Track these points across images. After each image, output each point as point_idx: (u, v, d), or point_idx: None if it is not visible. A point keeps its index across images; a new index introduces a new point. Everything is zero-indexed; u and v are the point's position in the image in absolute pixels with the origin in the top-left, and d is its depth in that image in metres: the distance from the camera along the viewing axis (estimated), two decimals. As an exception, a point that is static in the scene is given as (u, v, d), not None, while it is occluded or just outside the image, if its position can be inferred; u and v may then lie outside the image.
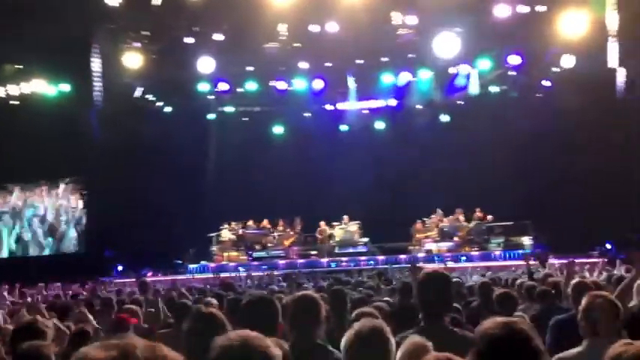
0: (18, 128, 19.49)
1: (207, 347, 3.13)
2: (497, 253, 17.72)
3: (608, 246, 15.42)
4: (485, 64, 20.17)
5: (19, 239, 21.40)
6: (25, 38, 17.28)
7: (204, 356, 3.07)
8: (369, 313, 4.38)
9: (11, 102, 20.54)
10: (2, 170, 19.47)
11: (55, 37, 16.91)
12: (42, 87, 20.64)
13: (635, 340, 2.22)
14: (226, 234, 19.77)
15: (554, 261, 12.62)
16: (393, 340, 2.52)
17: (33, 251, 21.24)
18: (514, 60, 19.60)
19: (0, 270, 16.33)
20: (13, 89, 20.57)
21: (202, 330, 3.11)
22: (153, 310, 6.69)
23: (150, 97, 20.89)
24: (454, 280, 5.40)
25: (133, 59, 18.98)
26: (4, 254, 21.21)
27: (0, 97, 20.69)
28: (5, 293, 9.09)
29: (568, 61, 18.87)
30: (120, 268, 18.57)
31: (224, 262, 18.98)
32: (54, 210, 21.50)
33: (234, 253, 19.50)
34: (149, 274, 13.45)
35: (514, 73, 20.34)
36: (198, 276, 16.74)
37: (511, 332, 2.08)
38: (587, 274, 8.24)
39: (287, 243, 19.58)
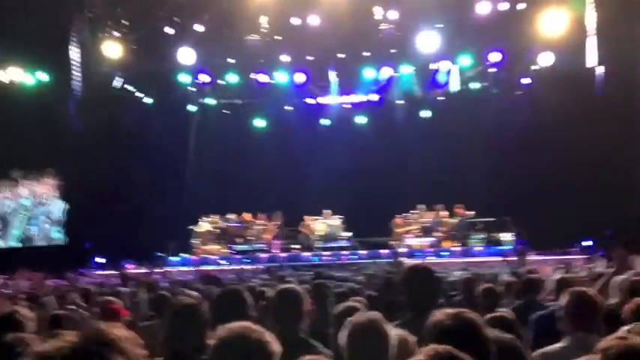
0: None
1: (187, 339, 3.13)
2: (479, 249, 17.87)
3: (589, 242, 15.65)
4: (465, 60, 20.30)
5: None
6: (2, 26, 16.96)
7: (184, 346, 3.07)
8: (354, 307, 4.40)
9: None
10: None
11: (33, 25, 16.62)
12: (20, 76, 20.30)
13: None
14: (205, 226, 19.64)
15: (534, 257, 12.78)
16: (391, 333, 2.53)
17: (12, 242, 20.95)
18: (494, 57, 19.78)
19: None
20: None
21: (182, 321, 3.10)
22: (135, 301, 6.64)
23: (130, 87, 20.62)
24: (435, 275, 5.43)
25: (112, 49, 18.73)
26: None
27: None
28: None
29: (548, 59, 19.09)
30: (98, 259, 18.37)
31: (203, 255, 18.87)
32: (33, 200, 21.19)
33: (216, 247, 19.41)
34: (129, 266, 13.33)
35: (494, 69, 20.51)
36: (178, 269, 16.62)
37: (461, 322, 2.18)
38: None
39: (268, 236, 19.54)
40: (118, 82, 19.91)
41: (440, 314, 2.33)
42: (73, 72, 18.95)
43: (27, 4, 16.17)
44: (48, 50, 18.81)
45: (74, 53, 18.92)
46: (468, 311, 2.39)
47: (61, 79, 19.59)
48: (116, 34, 18.72)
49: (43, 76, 20.32)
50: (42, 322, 4.80)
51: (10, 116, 18.81)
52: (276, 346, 1.94)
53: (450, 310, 2.34)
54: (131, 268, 12.98)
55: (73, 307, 6.02)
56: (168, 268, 16.02)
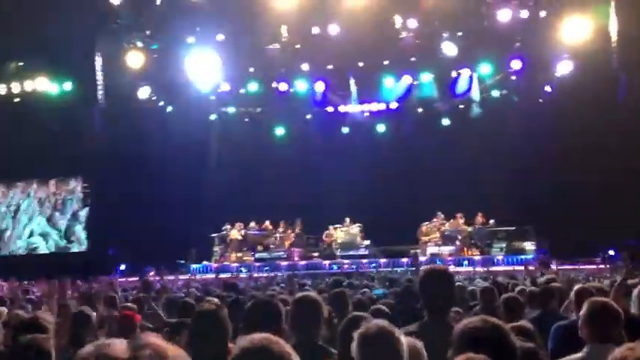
0: (20, 126, 19.55)
1: (209, 346, 3.17)
2: (500, 257, 17.71)
3: (612, 252, 15.40)
4: (486, 68, 20.22)
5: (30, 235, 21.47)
6: (28, 36, 17.32)
7: (206, 355, 3.11)
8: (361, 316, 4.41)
9: (15, 100, 20.60)
10: (6, 167, 19.48)
11: (58, 35, 16.97)
12: (44, 85, 20.68)
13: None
14: (233, 234, 19.83)
15: (555, 267, 12.63)
16: (403, 340, 2.53)
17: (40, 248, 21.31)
18: (516, 64, 19.65)
19: (7, 267, 16.29)
20: (16, 87, 20.63)
21: (205, 329, 3.14)
22: (155, 309, 6.71)
23: (152, 96, 20.89)
24: (457, 284, 5.42)
25: (135, 58, 19.01)
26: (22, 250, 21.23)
27: (1, 95, 20.75)
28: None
29: (569, 67, 18.93)
30: (122, 267, 18.60)
31: (226, 263, 19.03)
32: (57, 207, 21.52)
33: (237, 254, 19.58)
34: (152, 273, 13.46)
35: (515, 77, 20.38)
36: (200, 276, 16.73)
37: (489, 328, 2.19)
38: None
39: (287, 244, 19.62)
40: (144, 93, 20.11)
41: (468, 320, 2.36)
42: (97, 81, 19.27)
43: (52, 14, 16.50)
44: (73, 60, 19.18)
45: (98, 63, 19.25)
46: (494, 318, 2.40)
47: (84, 88, 19.95)
48: (139, 44, 19.00)
49: (68, 86, 20.68)
50: (64, 326, 4.90)
51: (35, 124, 19.18)
52: (296, 358, 1.97)
53: (477, 317, 2.35)
54: (153, 275, 13.10)
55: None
56: (190, 275, 16.12)
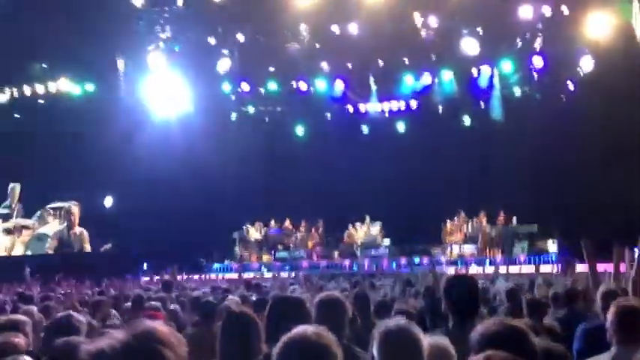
0: (43, 126, 19.85)
1: (240, 346, 3.20)
2: (522, 257, 17.56)
3: (637, 251, 15.15)
4: (507, 65, 20.05)
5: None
6: (52, 38, 17.57)
7: (238, 356, 3.14)
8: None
9: (39, 100, 20.95)
10: (28, 167, 19.78)
11: (81, 36, 17.20)
12: (67, 86, 20.97)
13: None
14: (253, 233, 19.93)
15: (580, 266, 12.45)
16: (423, 340, 2.54)
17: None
18: (537, 62, 19.44)
19: (20, 266, 16.53)
20: (40, 88, 20.96)
21: (236, 329, 3.17)
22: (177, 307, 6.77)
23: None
24: (479, 284, 5.40)
25: (156, 59, 19.19)
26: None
27: (26, 96, 21.10)
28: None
29: (592, 63, 18.68)
30: (145, 266, 18.80)
31: (247, 262, 19.15)
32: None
33: (258, 254, 19.71)
34: (172, 272, 13.56)
35: (537, 75, 20.16)
36: (221, 276, 16.85)
37: (509, 330, 2.22)
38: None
39: (310, 244, 19.66)
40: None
41: (487, 323, 2.38)
42: (120, 82, 19.50)
43: (76, 18, 16.72)
44: (95, 62, 19.42)
45: (120, 64, 19.47)
46: (514, 320, 2.41)
47: (107, 89, 20.20)
48: (161, 45, 19.18)
49: (90, 87, 20.95)
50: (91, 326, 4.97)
51: (57, 125, 19.47)
52: (338, 349, 1.99)
53: (496, 319, 2.38)
54: (175, 275, 13.20)
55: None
56: (211, 275, 16.26)
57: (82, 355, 1.33)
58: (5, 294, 9.25)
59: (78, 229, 20.77)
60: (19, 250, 20.84)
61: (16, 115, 21.21)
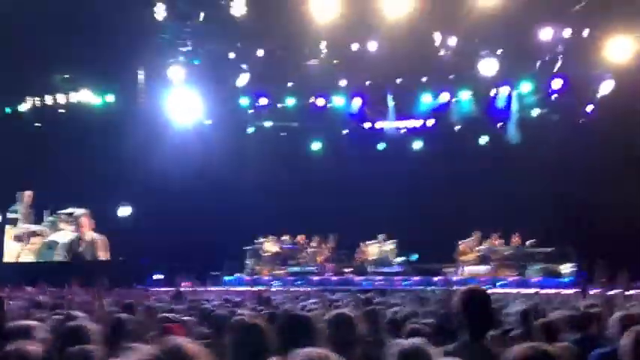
0: (62, 136, 20.09)
1: (250, 357, 3.19)
2: (536, 279, 17.36)
3: None
4: (526, 86, 20.00)
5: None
6: (74, 49, 17.83)
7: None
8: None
9: (60, 110, 21.23)
10: (47, 176, 19.98)
11: (103, 48, 17.45)
12: (88, 97, 21.24)
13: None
14: (270, 247, 19.96)
15: (596, 291, 12.27)
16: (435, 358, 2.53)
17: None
18: (556, 84, 19.37)
19: (37, 273, 16.65)
20: (61, 98, 21.25)
21: (247, 342, 3.16)
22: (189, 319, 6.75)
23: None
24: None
25: (176, 72, 19.39)
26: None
27: (48, 106, 21.39)
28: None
29: (612, 87, 18.57)
30: (155, 277, 18.84)
31: (258, 276, 19.14)
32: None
33: (269, 268, 19.71)
34: (185, 284, 13.61)
35: (556, 96, 20.08)
36: (233, 288, 16.85)
37: (540, 355, 2.27)
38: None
39: (320, 259, 19.62)
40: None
41: (518, 347, 2.39)
42: (140, 94, 19.73)
43: (99, 30, 16.97)
44: (116, 73, 19.68)
45: (141, 76, 19.70)
46: (545, 344, 2.46)
47: (127, 100, 20.44)
48: (181, 58, 19.39)
49: (110, 98, 21.21)
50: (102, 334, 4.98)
51: (78, 135, 19.70)
52: None
53: (527, 344, 2.41)
54: (186, 286, 13.22)
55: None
56: (223, 287, 16.25)
57: None
58: (16, 300, 9.30)
59: (89, 237, 20.91)
60: (28, 257, 20.98)
61: (36, 124, 21.50)
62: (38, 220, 21.50)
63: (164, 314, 6.04)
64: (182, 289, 11.23)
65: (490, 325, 3.59)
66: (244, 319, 3.50)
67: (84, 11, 16.76)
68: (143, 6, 17.25)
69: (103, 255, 20.94)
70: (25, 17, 16.80)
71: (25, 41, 17.39)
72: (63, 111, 21.32)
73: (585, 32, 17.56)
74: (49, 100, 21.35)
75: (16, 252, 21.05)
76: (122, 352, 1.43)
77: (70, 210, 21.24)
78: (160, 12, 17.45)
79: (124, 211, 20.94)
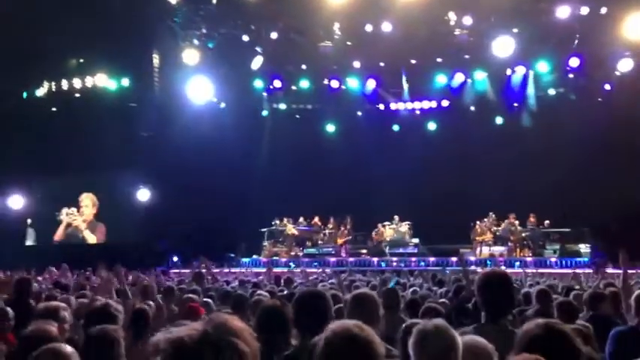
0: (78, 120, 20.25)
1: (273, 341, 3.26)
2: (553, 260, 17.34)
3: None
4: (543, 66, 19.77)
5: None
6: (89, 33, 17.90)
7: (271, 351, 3.19)
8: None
9: (75, 95, 21.39)
10: (63, 160, 20.20)
11: (118, 32, 17.50)
12: (103, 81, 21.36)
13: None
14: (291, 228, 20.11)
15: (612, 271, 12.27)
16: (459, 340, 2.55)
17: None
18: (574, 62, 19.11)
19: (54, 255, 16.92)
20: (77, 82, 21.39)
21: (270, 324, 3.23)
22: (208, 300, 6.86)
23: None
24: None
25: (191, 56, 19.42)
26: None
27: (64, 90, 21.55)
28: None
29: (630, 65, 18.31)
30: (175, 258, 19.06)
31: (275, 258, 19.29)
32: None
33: (286, 249, 19.85)
34: (203, 265, 13.77)
35: (572, 75, 19.83)
36: (250, 270, 17.01)
37: (553, 333, 2.22)
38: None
39: (340, 241, 19.72)
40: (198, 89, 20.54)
41: (530, 324, 2.35)
42: (155, 78, 19.80)
43: (113, 15, 17.02)
44: (131, 57, 19.75)
45: (155, 60, 19.76)
46: (559, 322, 2.40)
47: (142, 84, 20.53)
48: (195, 41, 19.40)
49: (125, 82, 21.32)
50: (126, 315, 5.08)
51: (93, 119, 19.85)
52: (381, 348, 2.01)
53: (540, 320, 2.34)
54: (203, 268, 13.36)
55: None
56: (240, 269, 16.40)
57: (162, 344, 1.36)
58: (41, 283, 9.49)
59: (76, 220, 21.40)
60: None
61: (53, 109, 21.69)
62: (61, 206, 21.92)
63: (188, 295, 6.14)
64: (201, 270, 11.35)
65: (510, 307, 3.62)
66: (268, 301, 3.56)
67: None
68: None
69: (97, 240, 21.39)
70: (40, 3, 16.88)
71: (40, 27, 17.49)
72: (78, 95, 21.46)
73: (603, 10, 17.28)
74: (65, 84, 21.50)
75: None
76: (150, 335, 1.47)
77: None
78: (174, -5, 17.45)
79: (143, 194, 21.12)
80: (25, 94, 21.86)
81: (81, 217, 21.76)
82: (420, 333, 2.58)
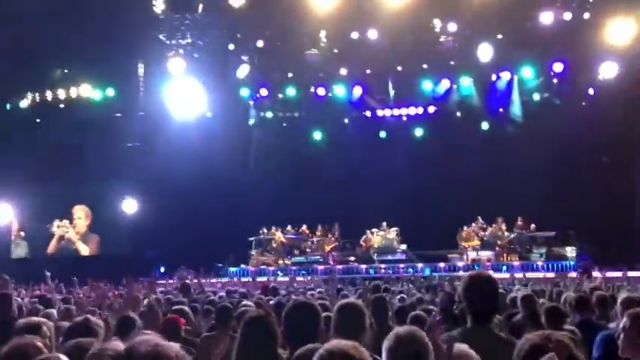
0: (63, 130, 20.09)
1: (259, 352, 3.22)
2: (540, 263, 17.41)
3: None
4: (527, 71, 19.93)
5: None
6: (74, 44, 17.81)
7: (256, 358, 3.15)
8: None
9: (60, 105, 21.23)
10: (48, 171, 20.02)
11: (103, 42, 17.42)
12: (88, 91, 21.23)
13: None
14: (262, 238, 20.02)
15: (598, 273, 12.33)
16: (429, 346, 2.55)
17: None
18: (558, 67, 19.29)
19: (47, 268, 16.69)
20: (61, 93, 21.24)
21: (256, 334, 3.19)
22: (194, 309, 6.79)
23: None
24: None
25: (177, 65, 19.36)
26: None
27: (48, 101, 21.39)
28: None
29: (614, 69, 18.49)
30: (162, 269, 18.91)
31: (263, 266, 19.20)
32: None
33: (274, 258, 19.77)
34: (190, 276, 13.68)
35: (557, 80, 20.01)
36: (237, 279, 16.90)
37: (553, 344, 2.23)
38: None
39: (328, 248, 19.68)
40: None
41: (531, 335, 2.37)
42: (140, 88, 19.72)
43: (98, 25, 16.96)
44: (116, 67, 19.66)
45: (141, 70, 19.69)
46: (559, 333, 2.42)
47: (127, 94, 20.44)
48: (181, 51, 19.35)
49: (110, 92, 21.19)
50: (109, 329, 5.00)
51: (78, 130, 19.72)
52: None
53: (541, 332, 2.38)
54: (191, 278, 13.27)
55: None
56: (227, 279, 16.30)
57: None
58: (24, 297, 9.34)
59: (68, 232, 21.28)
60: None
61: (37, 120, 21.52)
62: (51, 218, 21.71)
63: (175, 306, 6.07)
64: (188, 281, 11.26)
65: (496, 311, 3.60)
66: (253, 313, 3.51)
67: (84, 6, 16.73)
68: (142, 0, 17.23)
69: (91, 251, 21.22)
70: (25, 13, 16.77)
71: (24, 37, 17.37)
72: (62, 106, 21.30)
73: (586, 15, 17.47)
74: (49, 95, 21.34)
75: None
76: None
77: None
78: (159, 5, 17.44)
79: (129, 204, 20.97)
80: (8, 106, 21.66)
81: (74, 230, 21.53)
82: (393, 338, 2.58)
